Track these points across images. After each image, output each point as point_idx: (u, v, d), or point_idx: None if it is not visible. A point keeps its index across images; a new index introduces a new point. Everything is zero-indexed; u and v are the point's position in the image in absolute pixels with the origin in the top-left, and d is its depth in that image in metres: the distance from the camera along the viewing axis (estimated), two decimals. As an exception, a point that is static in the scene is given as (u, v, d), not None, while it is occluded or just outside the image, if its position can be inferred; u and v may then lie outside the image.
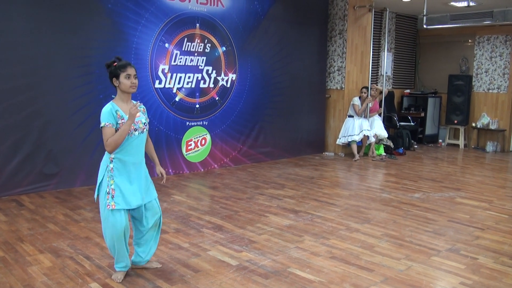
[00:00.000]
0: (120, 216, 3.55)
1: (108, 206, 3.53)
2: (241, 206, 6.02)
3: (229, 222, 5.35)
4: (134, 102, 3.77)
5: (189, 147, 7.99)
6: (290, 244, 4.67)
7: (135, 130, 3.63)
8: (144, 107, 3.88)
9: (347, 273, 3.99)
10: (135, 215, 3.80)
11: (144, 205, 3.75)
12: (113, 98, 3.71)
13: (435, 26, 11.63)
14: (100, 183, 3.62)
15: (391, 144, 10.47)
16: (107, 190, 3.56)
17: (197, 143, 8.11)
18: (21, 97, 6.15)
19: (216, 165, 8.47)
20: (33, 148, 6.29)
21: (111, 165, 3.60)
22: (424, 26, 11.54)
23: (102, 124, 3.55)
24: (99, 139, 6.76)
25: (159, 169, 3.91)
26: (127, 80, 3.61)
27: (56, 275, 3.81)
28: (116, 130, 3.56)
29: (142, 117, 3.71)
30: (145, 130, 3.74)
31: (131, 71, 3.63)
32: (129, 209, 3.68)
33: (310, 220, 5.47)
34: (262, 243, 4.68)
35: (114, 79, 3.64)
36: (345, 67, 10.12)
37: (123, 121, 3.56)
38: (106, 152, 3.66)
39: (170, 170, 7.75)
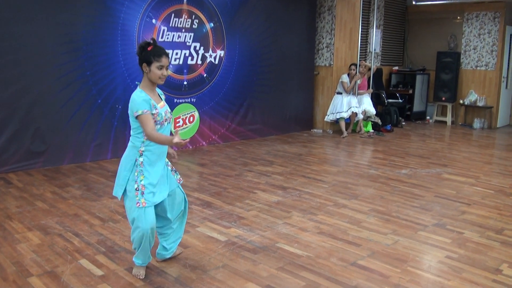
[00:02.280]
0: (151, 211, 3.33)
1: (138, 204, 3.27)
2: (229, 183, 6.04)
3: (218, 198, 5.38)
4: (158, 90, 3.52)
5: (177, 125, 7.97)
6: (279, 220, 4.70)
7: (165, 120, 3.38)
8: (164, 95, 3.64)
9: (334, 247, 4.04)
10: (161, 205, 3.54)
11: (169, 193, 3.54)
12: (137, 84, 3.42)
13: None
14: (128, 179, 3.34)
15: (379, 121, 10.50)
16: (136, 187, 3.29)
17: (185, 120, 8.08)
18: (7, 74, 6.07)
19: (204, 142, 8.47)
20: (20, 125, 6.24)
21: (141, 159, 3.32)
22: (413, 3, 11.55)
23: (139, 112, 3.19)
24: (86, 116, 6.77)
25: (171, 150, 3.68)
26: (158, 71, 3.28)
27: (45, 252, 3.82)
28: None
29: (167, 107, 3.47)
30: (171, 120, 3.50)
31: (165, 61, 3.30)
32: None
33: (298, 196, 5.51)
34: (251, 219, 4.71)
35: (144, 64, 3.29)
36: (333, 44, 10.09)
37: (157, 111, 3.29)
38: (132, 145, 3.37)
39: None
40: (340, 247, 4.06)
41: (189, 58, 8.00)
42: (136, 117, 3.23)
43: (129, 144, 3.39)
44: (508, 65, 11.67)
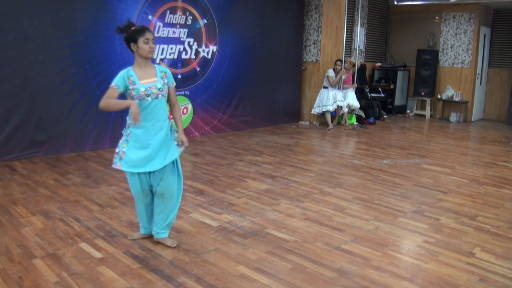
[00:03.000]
0: (133, 179, 3.54)
1: (114, 165, 3.49)
2: (221, 172, 6.05)
3: (210, 186, 5.38)
4: (156, 65, 3.56)
5: (171, 116, 7.92)
6: (267, 206, 4.72)
7: (147, 95, 3.39)
8: (167, 72, 3.58)
9: (319, 233, 4.07)
10: (151, 182, 3.63)
11: (158, 171, 3.56)
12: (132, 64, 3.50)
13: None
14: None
15: (363, 114, 10.54)
16: (118, 151, 3.50)
17: (180, 112, 8.04)
18: (11, 67, 6.01)
19: (197, 133, 8.46)
20: (24, 116, 6.19)
21: (128, 131, 3.48)
22: (395, 3, 11.57)
23: (111, 84, 3.37)
24: (86, 107, 6.74)
25: (181, 136, 3.72)
26: (145, 45, 3.37)
27: (48, 235, 3.82)
28: (125, 94, 3.42)
29: (158, 83, 3.46)
30: (160, 95, 3.46)
31: (149, 35, 3.39)
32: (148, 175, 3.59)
33: (286, 185, 5.53)
34: (241, 206, 4.72)
35: (132, 44, 3.39)
36: (320, 41, 10.09)
37: (134, 86, 3.36)
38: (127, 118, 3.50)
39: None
40: (325, 232, 4.09)
41: (183, 53, 7.96)
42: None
43: None
44: (482, 63, 11.74)
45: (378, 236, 4.04)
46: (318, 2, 10.01)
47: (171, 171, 3.61)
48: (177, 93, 7.94)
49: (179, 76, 7.95)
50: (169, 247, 3.68)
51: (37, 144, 6.39)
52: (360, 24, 11.32)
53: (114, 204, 4.66)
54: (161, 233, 3.72)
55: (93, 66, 6.72)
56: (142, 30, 3.40)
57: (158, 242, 3.74)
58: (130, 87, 3.37)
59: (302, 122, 10.49)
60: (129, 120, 3.44)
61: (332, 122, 9.91)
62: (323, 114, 10.00)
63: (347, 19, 10.43)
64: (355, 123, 10.24)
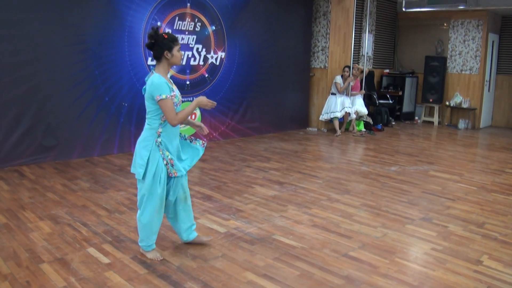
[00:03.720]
0: (162, 187, 3.44)
1: (171, 174, 3.46)
2: (229, 178, 6.05)
3: (218, 192, 5.39)
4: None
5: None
6: (275, 213, 4.72)
7: (181, 101, 3.52)
8: None
9: (327, 239, 4.05)
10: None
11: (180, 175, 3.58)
12: (152, 69, 3.48)
13: (413, 10, 11.62)
14: (148, 159, 3.39)
15: (371, 121, 10.52)
16: (166, 162, 3.43)
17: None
18: (21, 73, 6.06)
19: (205, 139, 8.46)
20: (33, 121, 6.23)
21: (160, 139, 3.41)
22: (403, 9, 11.55)
23: (163, 96, 3.28)
24: (94, 113, 6.77)
25: (197, 122, 3.86)
26: (179, 53, 3.45)
27: (55, 240, 3.83)
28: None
29: (177, 89, 3.57)
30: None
31: (179, 44, 3.48)
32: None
33: (293, 191, 5.52)
34: (249, 212, 4.72)
35: (166, 52, 3.38)
36: (328, 47, 10.09)
37: (174, 93, 3.38)
38: (149, 127, 3.41)
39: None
40: (332, 239, 4.08)
41: (192, 59, 7.99)
42: (159, 101, 3.30)
43: (146, 126, 3.45)
44: (491, 70, 11.70)
45: (386, 243, 4.02)
46: (326, 8, 10.03)
47: (186, 174, 3.68)
48: (185, 99, 7.96)
49: (188, 82, 7.98)
50: (177, 252, 3.69)
51: (46, 149, 6.42)
52: (368, 31, 11.32)
53: (122, 209, 4.67)
54: (194, 233, 3.81)
55: (102, 71, 6.75)
56: (176, 38, 3.45)
57: (165, 248, 3.75)
58: (171, 94, 3.36)
59: (310, 129, 10.48)
60: (161, 129, 3.41)
61: (340, 128, 9.90)
62: (331, 121, 9.99)
63: (355, 25, 10.44)
64: (363, 129, 10.22)
